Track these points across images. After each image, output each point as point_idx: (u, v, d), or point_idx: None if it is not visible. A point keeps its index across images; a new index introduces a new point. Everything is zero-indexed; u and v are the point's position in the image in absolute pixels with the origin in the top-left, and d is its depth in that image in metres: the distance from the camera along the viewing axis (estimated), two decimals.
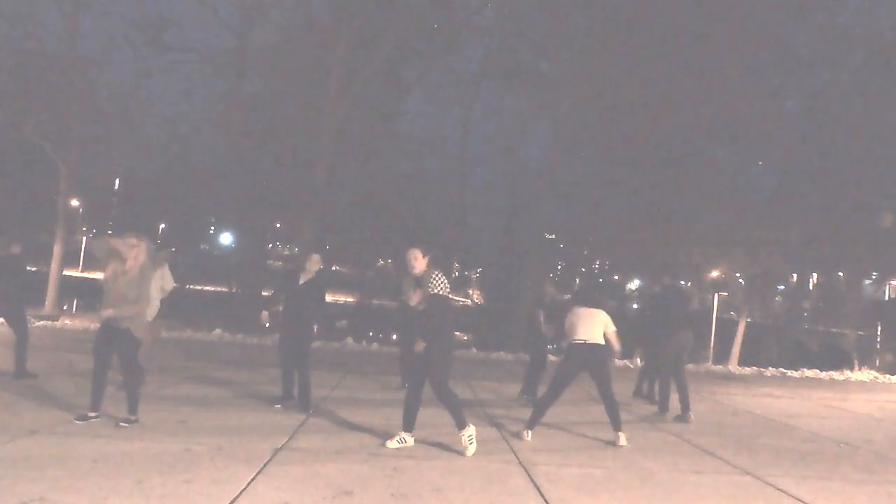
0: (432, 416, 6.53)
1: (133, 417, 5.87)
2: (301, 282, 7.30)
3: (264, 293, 21.57)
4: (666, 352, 8.41)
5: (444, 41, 20.63)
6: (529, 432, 6.55)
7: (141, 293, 5.92)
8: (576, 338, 6.66)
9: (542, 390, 8.67)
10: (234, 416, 6.59)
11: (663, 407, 8.43)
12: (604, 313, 6.81)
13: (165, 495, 4.07)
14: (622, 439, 6.46)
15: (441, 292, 5.73)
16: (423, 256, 5.82)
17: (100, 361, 5.96)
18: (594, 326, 6.70)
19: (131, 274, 5.89)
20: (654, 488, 4.99)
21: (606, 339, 6.73)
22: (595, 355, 6.63)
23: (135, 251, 5.91)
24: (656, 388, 9.13)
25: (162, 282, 7.85)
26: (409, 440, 5.79)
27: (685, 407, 8.20)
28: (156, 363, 9.56)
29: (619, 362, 15.38)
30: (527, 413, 7.15)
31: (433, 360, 5.66)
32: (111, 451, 4.98)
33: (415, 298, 5.81)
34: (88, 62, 18.81)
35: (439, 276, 5.78)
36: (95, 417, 5.89)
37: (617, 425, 6.56)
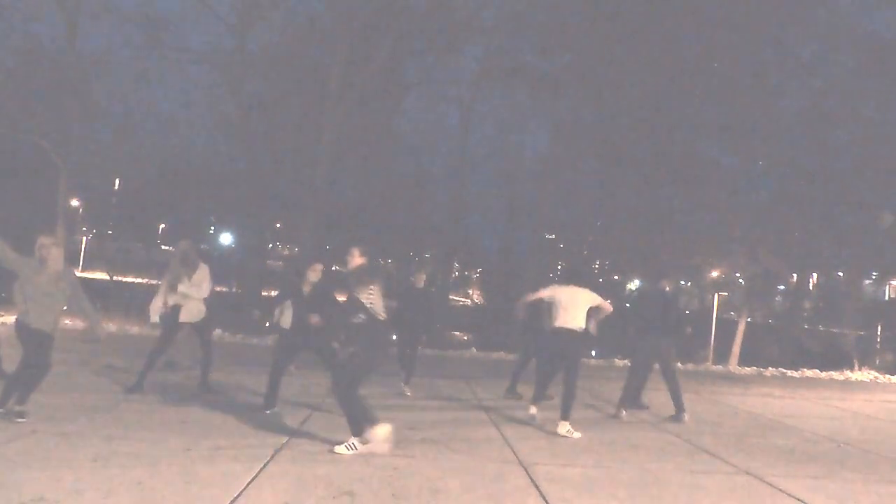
0: (432, 416, 6.52)
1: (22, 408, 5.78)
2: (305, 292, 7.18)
3: (264, 293, 21.57)
4: (638, 353, 8.40)
5: (444, 41, 20.61)
6: (535, 407, 7.01)
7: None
8: (555, 323, 6.73)
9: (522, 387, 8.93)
10: (235, 416, 6.59)
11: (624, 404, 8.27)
12: (587, 291, 6.79)
13: (165, 495, 4.08)
14: (562, 428, 6.55)
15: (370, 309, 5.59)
16: (361, 256, 5.78)
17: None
18: (577, 308, 6.72)
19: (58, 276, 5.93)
20: (654, 488, 4.99)
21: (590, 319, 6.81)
22: (572, 342, 6.68)
23: (53, 251, 5.90)
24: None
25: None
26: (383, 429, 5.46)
27: (679, 407, 8.14)
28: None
29: (619, 363, 15.38)
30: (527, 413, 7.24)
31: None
32: (111, 450, 4.99)
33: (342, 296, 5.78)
34: (88, 62, 18.81)
35: (376, 294, 5.64)
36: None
37: (565, 414, 6.66)
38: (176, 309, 7.65)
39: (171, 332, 7.78)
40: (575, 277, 7.11)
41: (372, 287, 5.62)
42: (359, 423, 5.40)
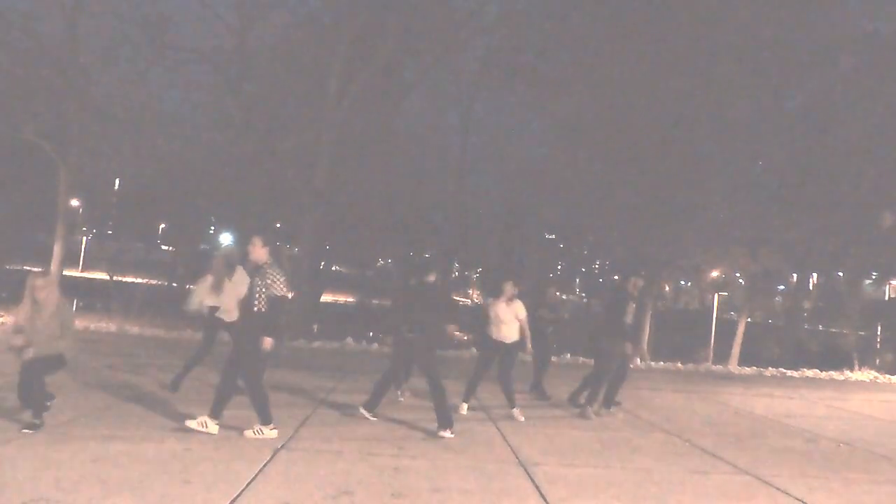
0: (432, 416, 6.52)
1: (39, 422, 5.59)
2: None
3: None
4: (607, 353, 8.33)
5: (444, 41, 20.58)
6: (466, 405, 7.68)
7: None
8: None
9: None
10: (234, 416, 6.59)
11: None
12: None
13: (165, 495, 4.08)
14: (463, 409, 7.53)
15: (279, 293, 5.75)
16: (263, 246, 5.84)
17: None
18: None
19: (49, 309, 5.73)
20: (654, 488, 4.99)
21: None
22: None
23: (42, 294, 5.70)
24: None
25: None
26: (213, 428, 5.73)
27: (591, 399, 8.12)
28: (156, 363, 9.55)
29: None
30: (533, 411, 7.27)
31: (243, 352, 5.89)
32: (111, 451, 4.99)
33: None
34: (88, 61, 18.78)
35: (277, 274, 5.76)
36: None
37: (465, 397, 7.70)
38: (213, 311, 7.76)
39: (211, 333, 7.88)
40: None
41: (272, 272, 5.76)
42: (266, 412, 5.79)
